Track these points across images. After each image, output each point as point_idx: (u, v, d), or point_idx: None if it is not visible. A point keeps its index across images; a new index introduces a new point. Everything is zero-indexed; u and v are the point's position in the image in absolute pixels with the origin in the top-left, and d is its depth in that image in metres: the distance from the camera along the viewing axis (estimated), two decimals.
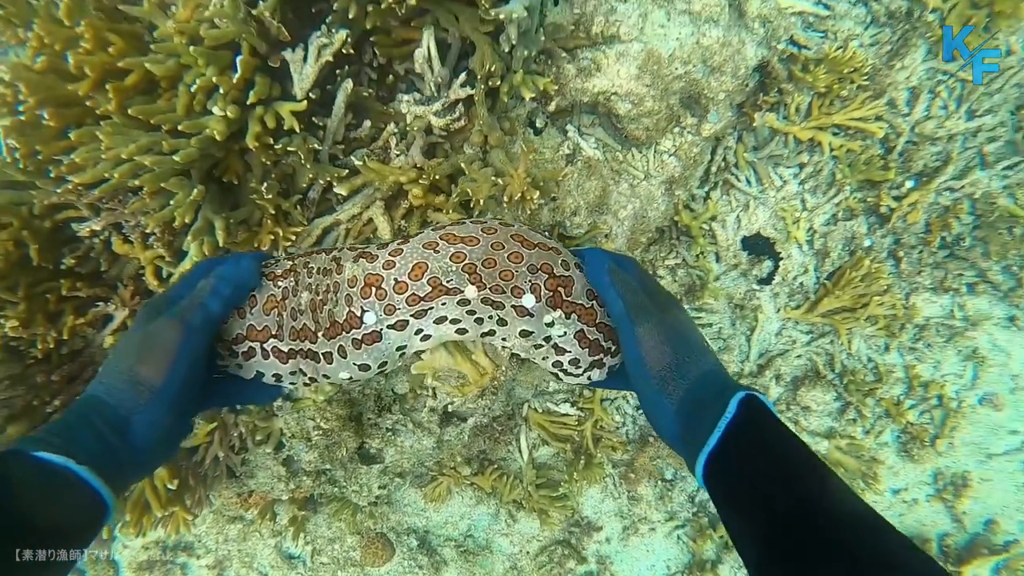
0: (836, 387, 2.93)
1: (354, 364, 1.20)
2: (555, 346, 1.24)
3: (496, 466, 2.80)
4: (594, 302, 1.22)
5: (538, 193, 1.75)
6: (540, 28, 1.79)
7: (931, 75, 2.49)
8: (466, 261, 1.18)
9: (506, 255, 1.20)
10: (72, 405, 1.02)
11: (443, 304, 1.17)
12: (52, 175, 1.54)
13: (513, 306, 1.18)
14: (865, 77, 2.38)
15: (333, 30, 1.61)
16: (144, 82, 1.48)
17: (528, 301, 1.18)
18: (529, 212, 1.90)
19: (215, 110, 1.48)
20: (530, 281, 1.19)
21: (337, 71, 1.66)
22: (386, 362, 1.23)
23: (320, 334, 1.19)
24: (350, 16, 1.58)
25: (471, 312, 1.19)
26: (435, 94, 1.72)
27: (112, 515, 0.93)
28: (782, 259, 2.65)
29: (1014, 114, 2.54)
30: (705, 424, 1.01)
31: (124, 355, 1.05)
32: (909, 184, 2.60)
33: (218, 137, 1.47)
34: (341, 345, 1.19)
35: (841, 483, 0.92)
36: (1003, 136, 2.58)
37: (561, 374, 1.29)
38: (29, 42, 1.39)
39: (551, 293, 1.20)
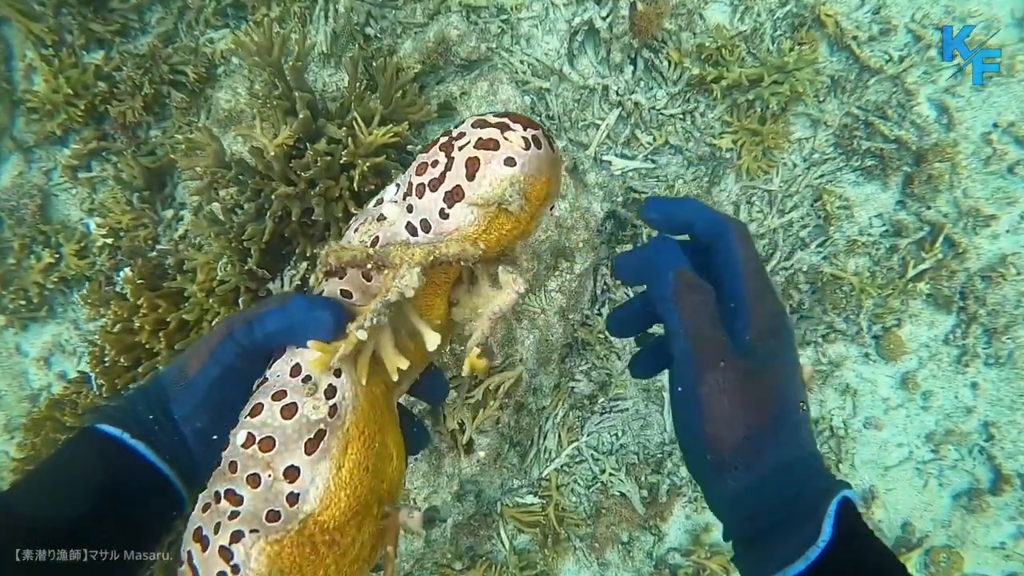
0: None
1: None
2: (404, 197, 0.89)
3: (484, 558, 3.36)
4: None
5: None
6: None
7: (744, 191, 3.35)
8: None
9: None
10: (143, 386, 0.94)
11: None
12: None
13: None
14: None
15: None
16: (181, 324, 2.27)
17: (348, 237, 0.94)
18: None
19: None
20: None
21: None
22: None
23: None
24: (307, 254, 2.40)
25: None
26: None
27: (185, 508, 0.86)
28: None
29: (812, 205, 3.40)
30: (785, 542, 0.77)
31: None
32: None
33: None
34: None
35: None
36: (811, 223, 3.42)
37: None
38: (108, 316, 2.19)
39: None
